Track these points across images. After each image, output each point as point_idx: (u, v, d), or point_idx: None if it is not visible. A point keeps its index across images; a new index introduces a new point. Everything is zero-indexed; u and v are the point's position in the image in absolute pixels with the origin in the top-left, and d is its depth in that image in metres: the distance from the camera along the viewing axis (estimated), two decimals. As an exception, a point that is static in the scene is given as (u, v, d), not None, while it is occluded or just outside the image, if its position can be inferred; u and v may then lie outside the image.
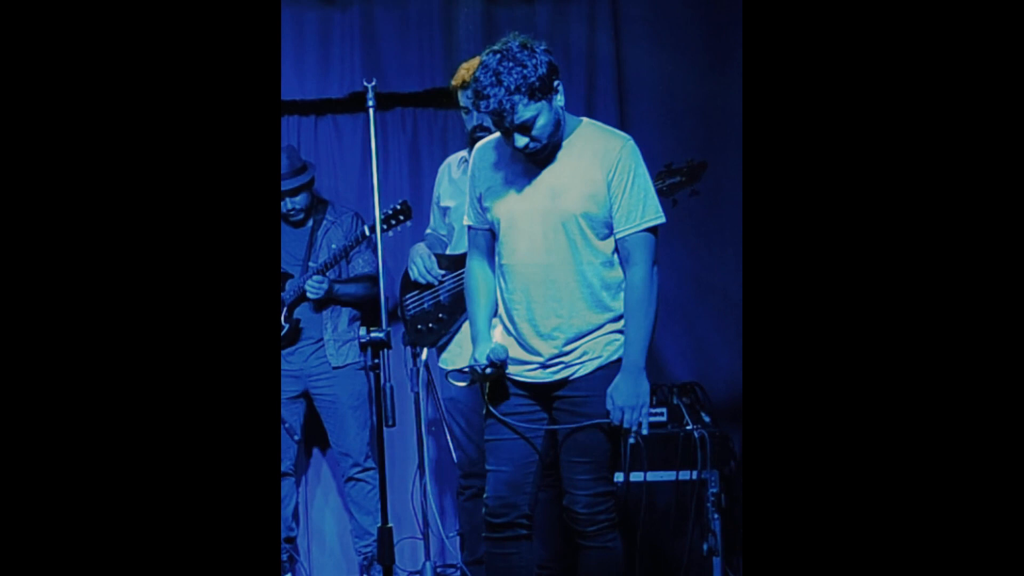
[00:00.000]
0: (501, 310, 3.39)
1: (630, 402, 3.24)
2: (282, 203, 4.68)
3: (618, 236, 3.28)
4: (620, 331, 3.31)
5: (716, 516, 4.35)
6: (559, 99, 3.23)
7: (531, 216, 3.30)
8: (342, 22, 5.02)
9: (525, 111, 3.15)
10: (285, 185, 4.62)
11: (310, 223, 4.81)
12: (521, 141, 3.20)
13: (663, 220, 3.31)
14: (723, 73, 4.73)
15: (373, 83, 3.39)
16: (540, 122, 3.18)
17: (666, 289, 4.79)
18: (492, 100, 3.14)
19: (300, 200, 4.73)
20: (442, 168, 4.47)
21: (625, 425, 3.25)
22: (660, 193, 4.05)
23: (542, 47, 3.21)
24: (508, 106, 3.13)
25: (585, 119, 3.39)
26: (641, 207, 3.26)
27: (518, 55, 3.15)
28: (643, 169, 3.30)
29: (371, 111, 3.38)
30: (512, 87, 3.12)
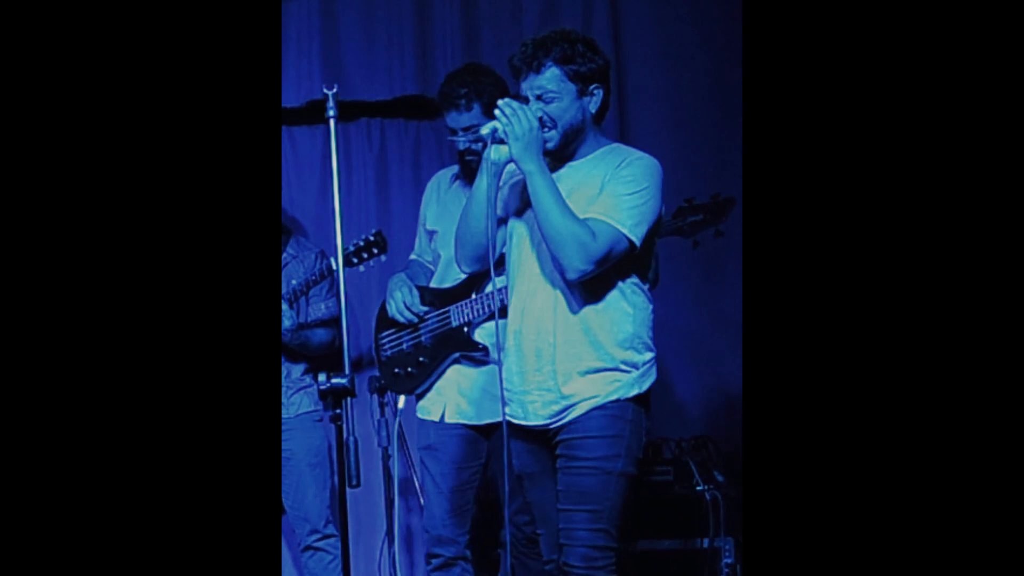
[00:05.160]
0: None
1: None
2: None
3: (589, 215, 3.29)
4: (623, 371, 3.34)
5: (731, 590, 4.34)
6: (592, 104, 3.37)
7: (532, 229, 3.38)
8: (298, 16, 5.02)
9: (550, 79, 3.33)
10: None
11: None
12: (535, 110, 3.32)
13: (635, 243, 3.29)
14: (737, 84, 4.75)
15: (334, 90, 3.35)
16: (560, 103, 3.33)
17: (684, 331, 4.76)
18: (527, 50, 3.34)
19: None
20: (430, 185, 4.42)
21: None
22: (679, 232, 4.03)
23: (602, 55, 3.41)
24: (535, 63, 3.32)
25: (617, 143, 3.53)
26: (623, 208, 3.28)
27: (572, 37, 3.37)
28: (653, 190, 3.32)
29: (332, 122, 3.34)
30: (550, 50, 3.32)
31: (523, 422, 3.41)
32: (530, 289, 3.38)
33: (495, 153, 3.37)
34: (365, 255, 4.44)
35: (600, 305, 3.34)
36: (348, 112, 5.00)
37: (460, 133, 4.00)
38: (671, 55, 5.06)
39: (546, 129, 3.34)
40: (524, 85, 3.37)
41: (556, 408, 3.34)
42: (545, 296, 3.36)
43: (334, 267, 4.48)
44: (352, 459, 3.18)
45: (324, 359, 4.69)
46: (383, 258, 4.46)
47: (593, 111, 3.39)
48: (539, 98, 3.34)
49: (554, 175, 3.35)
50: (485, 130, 3.35)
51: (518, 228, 3.46)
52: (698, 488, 4.39)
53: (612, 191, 3.30)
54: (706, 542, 4.33)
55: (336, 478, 4.51)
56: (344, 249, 4.32)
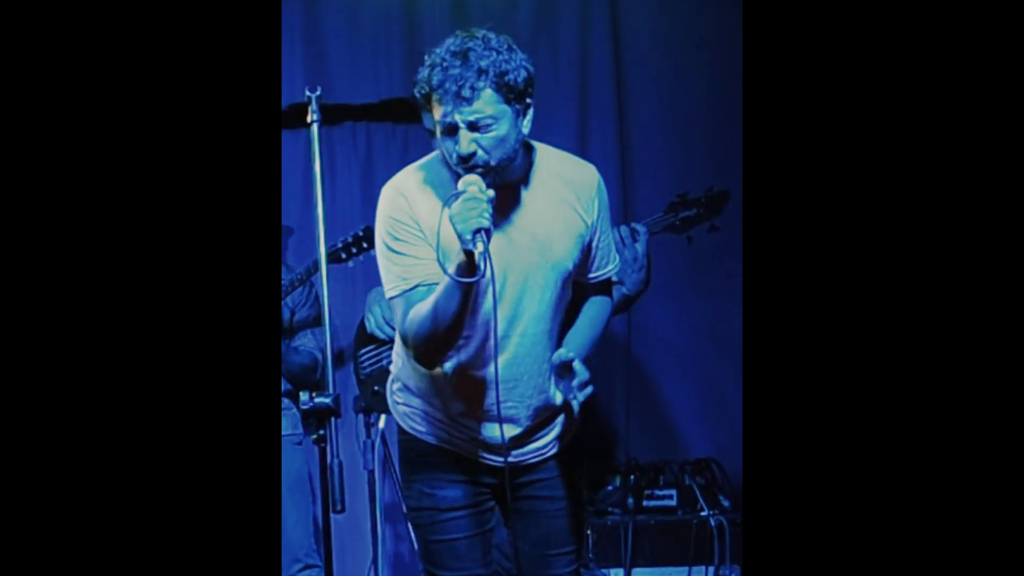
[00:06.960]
0: (433, 390, 3.15)
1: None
2: None
3: (599, 277, 3.22)
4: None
5: (737, 621, 4.32)
6: (526, 122, 2.96)
7: (516, 274, 3.04)
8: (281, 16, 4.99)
9: (486, 104, 2.85)
10: None
11: None
12: (466, 143, 2.87)
13: None
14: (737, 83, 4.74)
15: (317, 92, 3.30)
16: (498, 131, 2.88)
17: (677, 343, 4.73)
18: (450, 73, 2.84)
19: None
20: None
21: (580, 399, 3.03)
22: (672, 229, 4.00)
23: (524, 56, 2.96)
24: (468, 88, 2.83)
25: (539, 144, 3.13)
26: (612, 244, 3.27)
27: (495, 43, 2.88)
28: None
29: (315, 126, 3.28)
30: (482, 68, 2.84)
31: (488, 461, 3.16)
32: (518, 310, 3.07)
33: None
34: (354, 249, 4.40)
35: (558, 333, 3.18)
36: (332, 115, 4.97)
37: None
38: (671, 55, 5.04)
39: (480, 157, 2.89)
40: (453, 113, 2.87)
41: (543, 439, 3.18)
42: (537, 330, 3.10)
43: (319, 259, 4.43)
44: (336, 483, 3.12)
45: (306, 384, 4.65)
46: (373, 252, 4.43)
47: (526, 131, 2.97)
48: (473, 127, 2.87)
49: (525, 210, 3.05)
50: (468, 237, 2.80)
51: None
52: (703, 513, 4.38)
53: (606, 231, 3.19)
54: (711, 570, 4.31)
55: (318, 504, 4.46)
56: (332, 247, 4.31)
